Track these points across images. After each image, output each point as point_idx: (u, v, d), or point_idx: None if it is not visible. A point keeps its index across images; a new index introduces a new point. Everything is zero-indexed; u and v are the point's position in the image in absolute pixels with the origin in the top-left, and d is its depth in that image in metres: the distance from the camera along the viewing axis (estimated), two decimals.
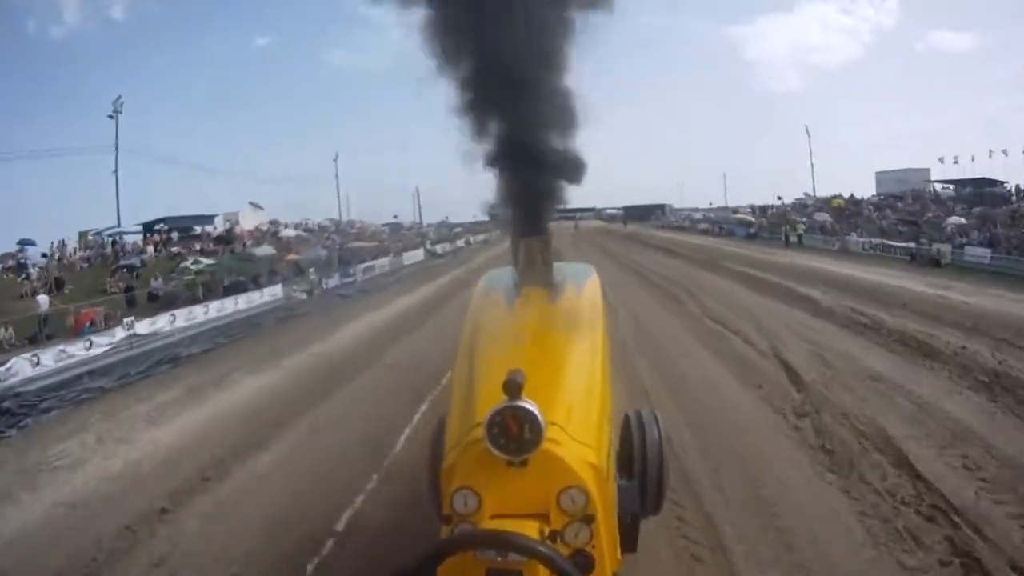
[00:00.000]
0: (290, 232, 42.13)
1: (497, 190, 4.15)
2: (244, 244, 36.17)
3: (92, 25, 55.74)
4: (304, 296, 24.66)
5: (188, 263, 28.01)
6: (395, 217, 53.11)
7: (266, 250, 32.87)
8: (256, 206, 46.45)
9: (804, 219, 43.56)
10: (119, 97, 34.88)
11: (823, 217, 41.35)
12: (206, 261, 29.10)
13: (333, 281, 27.52)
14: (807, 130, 53.13)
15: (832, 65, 72.71)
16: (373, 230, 49.06)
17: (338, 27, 72.90)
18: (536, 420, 2.24)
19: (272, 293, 24.36)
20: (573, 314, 3.70)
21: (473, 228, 68.04)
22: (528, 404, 2.25)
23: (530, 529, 2.15)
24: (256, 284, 25.75)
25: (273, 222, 46.11)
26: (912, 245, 26.85)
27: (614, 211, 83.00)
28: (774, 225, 43.40)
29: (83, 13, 57.11)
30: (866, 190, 49.68)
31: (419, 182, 53.71)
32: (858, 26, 79.50)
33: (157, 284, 24.36)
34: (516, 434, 2.24)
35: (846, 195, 49.67)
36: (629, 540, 2.86)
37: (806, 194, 57.94)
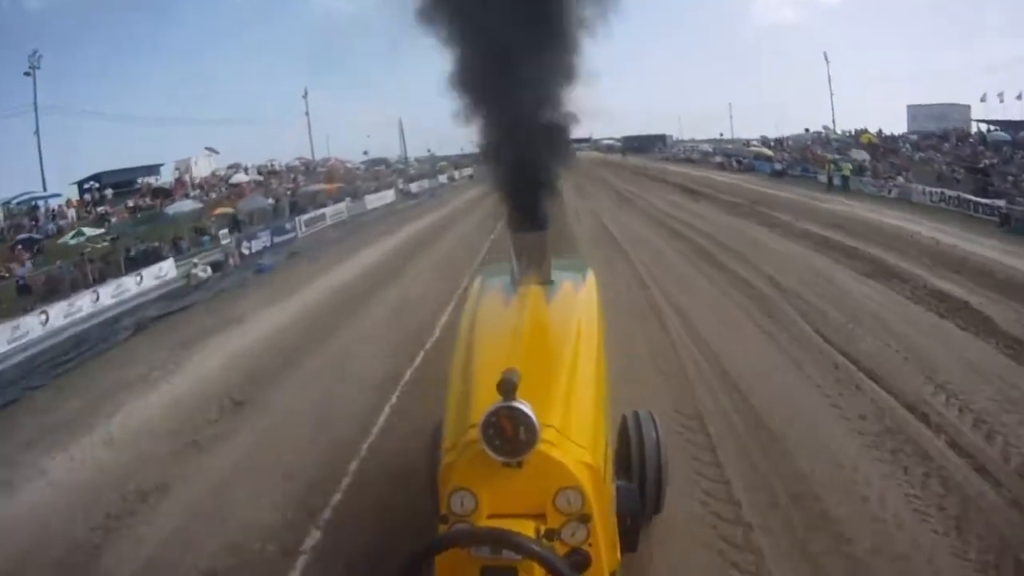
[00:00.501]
0: (242, 177, 35.18)
1: (494, 182, 3.80)
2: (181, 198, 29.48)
3: None
4: (206, 274, 17.33)
5: (67, 236, 21.19)
6: (365, 153, 45.95)
7: (185, 205, 26.02)
8: (212, 151, 39.64)
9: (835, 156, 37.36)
10: (35, 52, 28.41)
11: (861, 155, 34.81)
12: (90, 231, 22.12)
13: (261, 242, 20.83)
14: (825, 56, 46.64)
15: None
16: (344, 169, 42.22)
17: None
18: (531, 421, 2.21)
19: (157, 274, 17.25)
20: (570, 313, 3.55)
21: (459, 162, 62.60)
22: (522, 405, 2.21)
23: (527, 528, 2.14)
24: (178, 251, 19.55)
25: (233, 166, 39.59)
26: (1002, 204, 20.33)
27: (611, 142, 79.96)
28: (796, 161, 37.01)
29: None
30: (890, 126, 42.51)
31: (403, 114, 45.61)
32: None
33: (22, 269, 17.68)
34: (511, 435, 2.21)
35: (872, 130, 43.74)
36: (629, 540, 2.86)
37: (825, 127, 52.11)
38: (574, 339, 3.20)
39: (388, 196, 32.18)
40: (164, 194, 31.23)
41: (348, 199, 29.26)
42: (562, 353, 3.06)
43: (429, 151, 52.95)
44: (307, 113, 49.81)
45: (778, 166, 36.74)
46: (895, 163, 32.00)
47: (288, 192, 31.24)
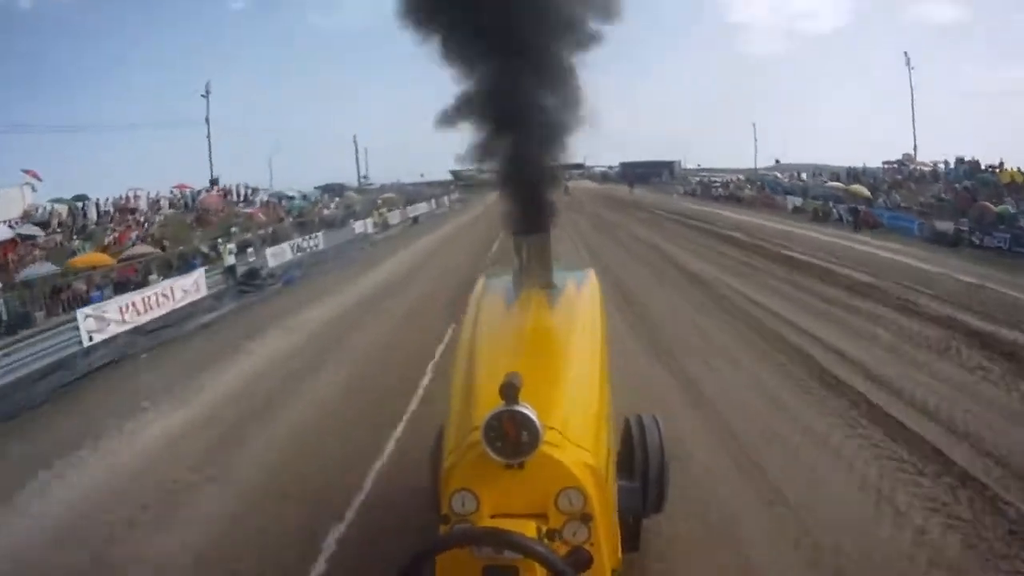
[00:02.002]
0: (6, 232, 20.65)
1: (499, 189, 3.84)
2: None
3: None
4: None
5: None
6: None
7: None
8: (33, 176, 25.87)
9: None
10: None
11: None
12: None
13: None
14: (909, 72, 35.02)
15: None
16: (225, 209, 28.20)
17: None
18: (533, 425, 2.14)
19: None
20: (572, 316, 3.49)
21: (418, 192, 49.47)
22: (525, 408, 2.14)
23: (528, 528, 2.08)
24: None
25: (79, 198, 26.07)
26: None
27: (607, 169, 68.37)
28: (933, 209, 22.35)
29: None
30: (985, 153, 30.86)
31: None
32: None
33: None
34: (513, 438, 2.15)
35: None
36: (631, 540, 2.86)
37: (906, 155, 39.27)
38: (577, 341, 3.16)
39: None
40: None
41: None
42: (565, 355, 3.02)
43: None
44: (207, 120, 37.51)
45: (944, 226, 19.06)
46: None
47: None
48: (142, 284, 15.43)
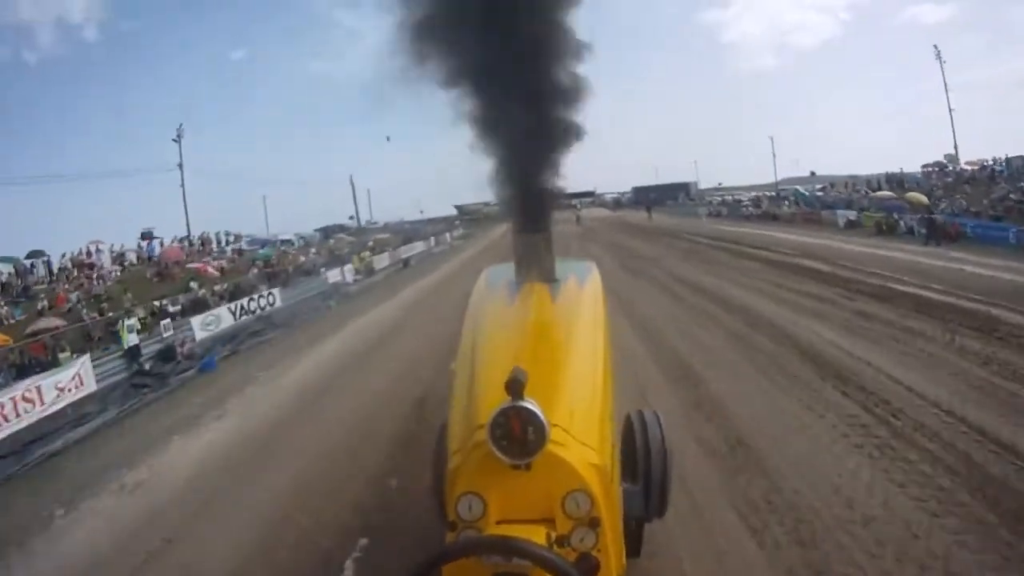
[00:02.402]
0: None
1: (496, 184, 3.71)
2: None
3: None
4: None
5: None
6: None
7: None
8: None
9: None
10: None
11: None
12: None
13: None
14: (942, 66, 31.76)
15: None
16: (177, 260, 24.36)
17: None
18: (539, 421, 2.06)
19: None
20: (575, 311, 3.40)
21: (416, 229, 46.36)
22: (531, 404, 2.07)
23: (537, 535, 2.01)
24: None
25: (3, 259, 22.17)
26: None
27: (617, 196, 67.13)
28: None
29: None
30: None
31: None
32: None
33: None
34: (519, 436, 2.07)
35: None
36: (633, 544, 2.82)
37: (948, 156, 35.83)
38: (579, 336, 3.07)
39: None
40: None
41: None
42: (567, 351, 2.92)
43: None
44: (180, 165, 34.11)
45: None
46: None
47: None
48: (51, 365, 11.26)
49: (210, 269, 22.76)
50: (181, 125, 33.00)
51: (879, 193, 30.43)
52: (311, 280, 21.70)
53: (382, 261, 28.10)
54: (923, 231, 19.40)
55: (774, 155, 46.52)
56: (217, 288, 20.30)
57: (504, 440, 2.07)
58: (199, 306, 17.64)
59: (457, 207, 62.41)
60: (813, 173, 38.79)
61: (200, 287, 19.83)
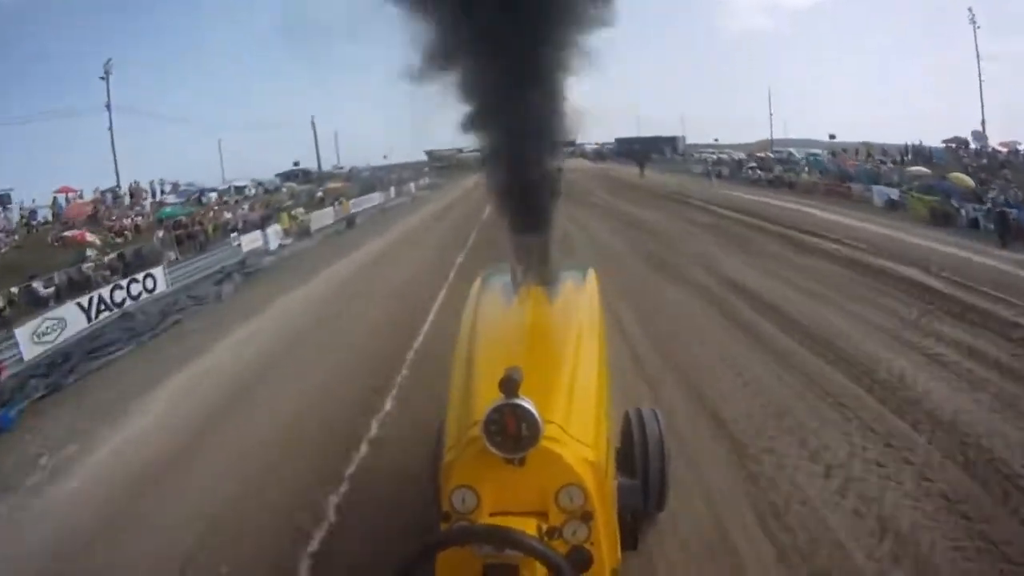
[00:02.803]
0: None
1: (491, 185, 3.60)
2: None
3: None
4: None
5: None
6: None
7: None
8: None
9: None
10: None
11: None
12: None
13: None
14: (975, 32, 27.43)
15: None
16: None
17: None
18: (533, 418, 2.10)
19: None
20: (571, 312, 3.42)
21: (378, 176, 43.05)
22: (525, 402, 2.10)
23: (529, 526, 2.04)
24: None
25: None
26: None
27: (599, 147, 59.57)
28: None
29: None
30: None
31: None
32: None
33: None
34: (514, 432, 2.11)
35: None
36: (630, 538, 2.78)
37: (976, 133, 30.91)
38: (575, 337, 3.05)
39: None
40: None
41: None
42: (564, 351, 2.92)
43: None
44: (108, 105, 28.12)
45: None
46: None
47: None
48: None
49: (88, 236, 17.02)
50: (109, 61, 27.14)
51: (913, 168, 26.25)
52: (215, 252, 16.24)
53: (324, 218, 22.62)
54: (989, 225, 15.18)
55: (771, 114, 42.17)
56: (109, 258, 14.96)
57: (498, 436, 2.06)
58: (81, 287, 12.56)
59: (428, 152, 58.31)
60: (832, 136, 33.87)
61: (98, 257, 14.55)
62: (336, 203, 24.71)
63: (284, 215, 19.60)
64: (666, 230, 16.26)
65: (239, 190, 33.23)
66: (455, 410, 2.62)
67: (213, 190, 35.03)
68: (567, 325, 3.19)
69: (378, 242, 17.57)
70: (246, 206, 25.47)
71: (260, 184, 36.57)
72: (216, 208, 23.03)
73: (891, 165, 29.21)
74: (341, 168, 49.19)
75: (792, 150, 41.51)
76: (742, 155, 42.47)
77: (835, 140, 33.85)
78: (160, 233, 18.57)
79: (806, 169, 30.60)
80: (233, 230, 20.63)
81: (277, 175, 44.91)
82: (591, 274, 4.04)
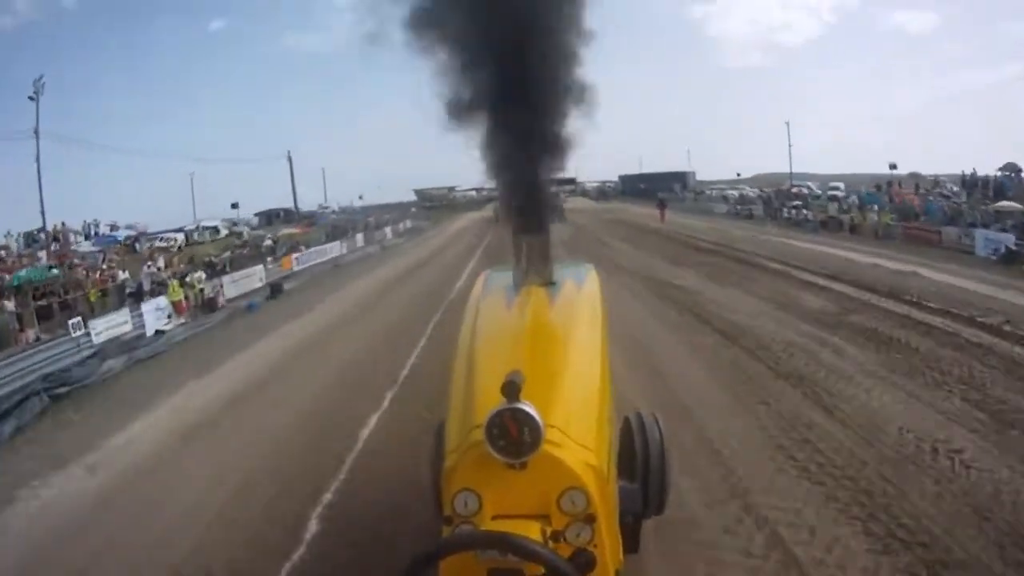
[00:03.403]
0: None
1: (497, 189, 3.84)
2: None
3: None
4: None
5: None
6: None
7: None
8: None
9: None
10: None
11: None
12: None
13: None
14: None
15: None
16: None
17: None
18: (535, 423, 2.05)
19: None
20: (573, 313, 3.37)
21: (352, 219, 38.96)
22: (527, 406, 2.05)
23: (532, 530, 2.00)
24: None
25: None
26: None
27: (601, 185, 58.82)
28: None
29: None
30: None
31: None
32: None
33: None
34: (515, 436, 2.06)
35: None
36: (631, 541, 2.76)
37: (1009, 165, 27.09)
38: (577, 339, 3.05)
39: None
40: None
41: None
42: (565, 353, 2.90)
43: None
44: (36, 131, 24.17)
45: None
46: None
47: None
48: None
49: None
50: (40, 78, 23.38)
51: (1003, 204, 20.67)
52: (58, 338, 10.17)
53: (249, 281, 16.69)
54: None
55: (790, 145, 40.28)
56: None
57: (500, 440, 2.05)
58: None
59: (417, 191, 55.00)
60: (893, 167, 28.48)
61: None
62: (272, 258, 18.84)
63: (174, 284, 13.60)
64: (762, 332, 9.08)
65: (214, 231, 31.15)
66: (456, 412, 2.54)
67: (164, 233, 30.88)
68: (569, 326, 3.15)
69: (293, 330, 11.54)
70: (161, 260, 19.68)
71: (235, 224, 34.31)
72: (106, 267, 17.18)
73: (957, 200, 23.92)
74: (326, 207, 46.93)
75: (810, 184, 37.46)
76: (755, 191, 39.62)
77: (895, 171, 28.29)
78: (10, 304, 12.70)
79: (857, 206, 24.94)
80: (133, 294, 14.90)
81: (256, 214, 41.92)
82: (593, 274, 4.01)
